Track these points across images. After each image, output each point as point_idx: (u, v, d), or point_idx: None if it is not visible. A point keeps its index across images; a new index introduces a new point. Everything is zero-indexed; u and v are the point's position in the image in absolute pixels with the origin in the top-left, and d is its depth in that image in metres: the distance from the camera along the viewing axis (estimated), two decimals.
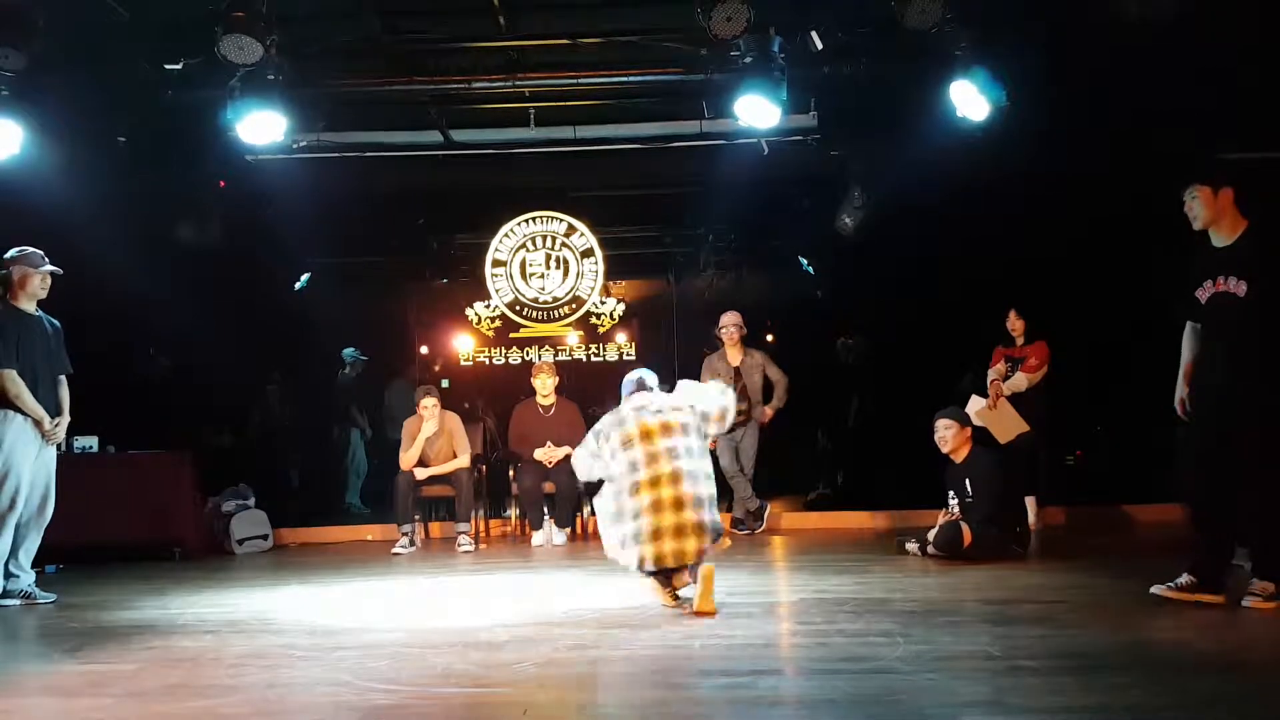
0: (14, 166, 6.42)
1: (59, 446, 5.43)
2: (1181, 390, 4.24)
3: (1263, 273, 3.93)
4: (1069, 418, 7.74)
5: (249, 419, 9.95)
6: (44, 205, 6.77)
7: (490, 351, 10.04)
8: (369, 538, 8.05)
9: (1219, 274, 4.03)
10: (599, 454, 4.44)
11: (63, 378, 5.35)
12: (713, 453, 7.68)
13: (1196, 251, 4.17)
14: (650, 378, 4.72)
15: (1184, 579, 4.08)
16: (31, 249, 5.21)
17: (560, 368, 8.18)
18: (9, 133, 6.26)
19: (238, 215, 8.29)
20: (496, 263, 9.81)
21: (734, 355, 7.76)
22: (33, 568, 5.26)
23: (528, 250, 9.82)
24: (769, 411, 7.66)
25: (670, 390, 4.73)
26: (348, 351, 10.22)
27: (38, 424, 5.12)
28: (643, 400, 4.54)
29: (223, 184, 8.18)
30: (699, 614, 4.03)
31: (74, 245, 7.07)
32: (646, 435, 4.30)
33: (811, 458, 9.94)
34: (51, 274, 5.23)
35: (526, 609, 4.42)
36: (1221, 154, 7.36)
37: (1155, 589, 4.12)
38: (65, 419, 5.31)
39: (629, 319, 10.29)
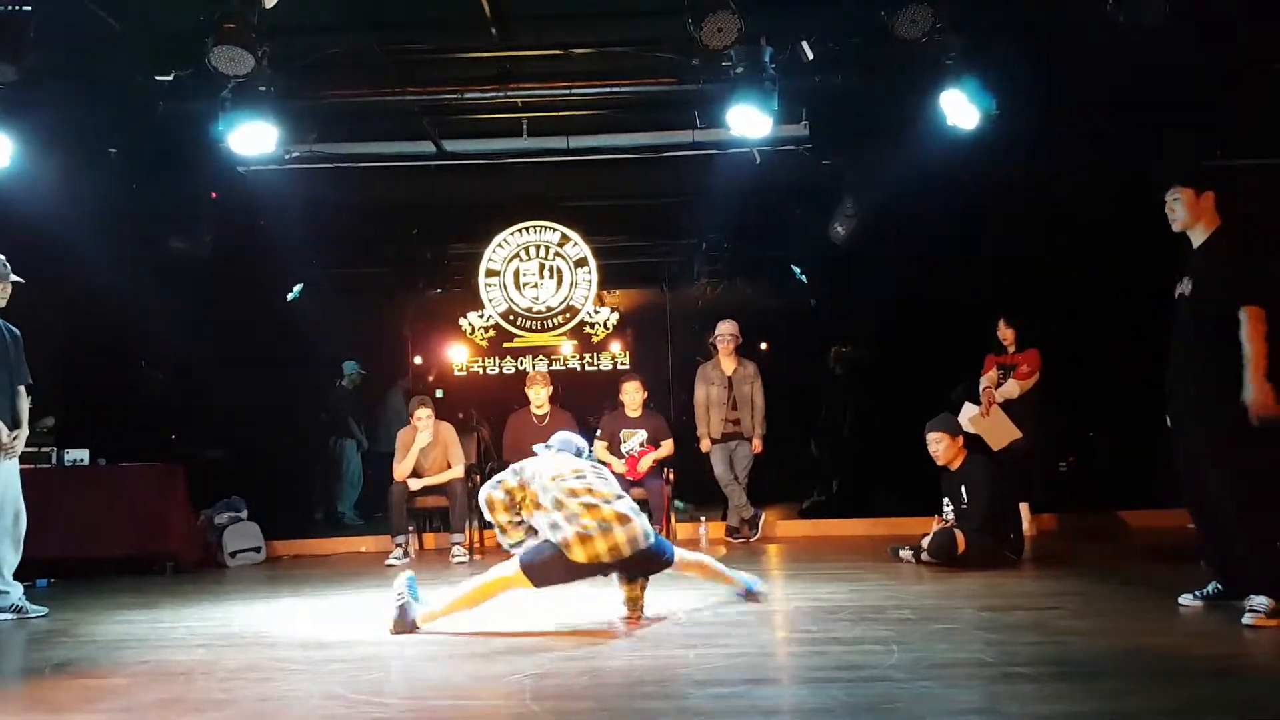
0: (6, 179, 6.41)
1: (49, 458, 5.40)
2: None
3: (1207, 274, 3.93)
4: (1062, 424, 7.76)
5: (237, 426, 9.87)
6: (36, 218, 6.76)
7: (484, 361, 10.02)
8: (363, 549, 8.02)
9: (1185, 275, 4.06)
10: None
11: (22, 388, 5.18)
12: (707, 456, 7.75)
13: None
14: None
15: (1211, 588, 4.07)
16: None
17: (554, 377, 8.17)
18: (0, 146, 6.24)
19: (230, 226, 8.28)
20: (490, 273, 9.81)
21: (728, 364, 7.78)
22: (24, 582, 5.21)
23: (521, 260, 9.81)
24: (757, 444, 7.68)
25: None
26: (348, 365, 10.21)
27: None
28: None
29: (215, 195, 8.17)
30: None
31: (66, 257, 7.10)
32: None
33: (806, 466, 9.94)
34: (13, 283, 5.09)
35: (520, 620, 4.39)
36: (1211, 160, 7.44)
37: (1183, 599, 4.13)
38: (24, 432, 5.16)
39: (623, 328, 10.29)
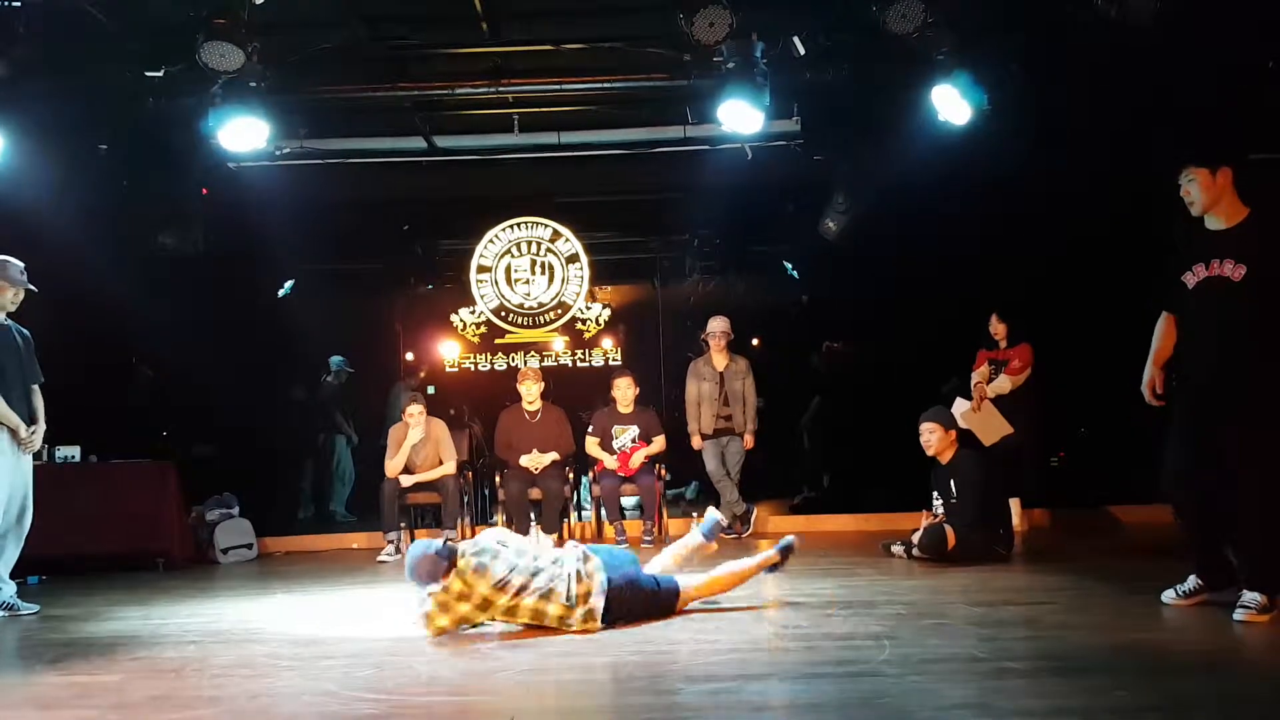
0: None
1: (40, 455, 5.39)
2: (1150, 372, 4.07)
3: (1265, 257, 3.75)
4: (1053, 419, 7.78)
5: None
6: (25, 214, 6.72)
7: (476, 357, 10.01)
8: (354, 546, 8.01)
9: (1213, 257, 3.84)
10: None
11: (36, 387, 5.26)
12: (699, 454, 7.76)
13: (1181, 239, 4.01)
14: None
15: (1190, 584, 4.05)
16: (12, 261, 5.14)
17: (546, 373, 8.17)
18: None
19: (221, 223, 8.26)
20: (481, 269, 9.80)
21: (719, 361, 7.78)
22: (15, 579, 5.21)
23: (513, 256, 9.81)
24: (749, 439, 7.70)
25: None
26: (335, 359, 10.17)
27: (13, 433, 5.06)
28: None
29: (205, 191, 8.14)
30: None
31: (56, 253, 7.04)
32: None
33: (798, 461, 9.96)
34: (27, 291, 5.16)
35: None
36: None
37: (1165, 596, 4.11)
38: (41, 427, 5.23)
39: (614, 324, 10.29)
